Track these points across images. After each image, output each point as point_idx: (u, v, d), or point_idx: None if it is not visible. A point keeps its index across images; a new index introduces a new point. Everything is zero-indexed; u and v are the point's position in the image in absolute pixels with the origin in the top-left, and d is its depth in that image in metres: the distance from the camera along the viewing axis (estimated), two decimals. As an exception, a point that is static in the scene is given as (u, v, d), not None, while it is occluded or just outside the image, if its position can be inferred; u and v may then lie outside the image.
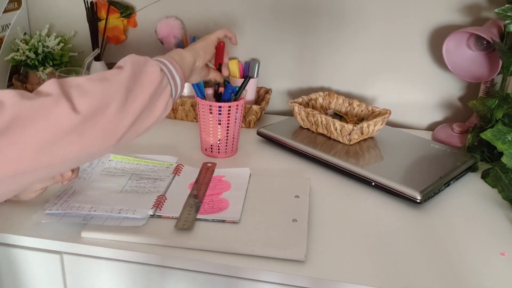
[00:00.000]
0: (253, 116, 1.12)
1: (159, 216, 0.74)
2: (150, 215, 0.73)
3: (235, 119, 0.94)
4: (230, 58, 1.22)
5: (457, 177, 0.90)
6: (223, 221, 0.73)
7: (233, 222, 0.73)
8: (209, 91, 0.96)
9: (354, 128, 0.94)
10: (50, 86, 0.52)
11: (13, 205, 0.76)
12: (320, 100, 1.11)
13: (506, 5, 0.93)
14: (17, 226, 0.72)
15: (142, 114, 0.58)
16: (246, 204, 0.78)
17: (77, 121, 0.50)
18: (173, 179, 0.85)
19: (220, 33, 0.84)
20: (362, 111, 1.07)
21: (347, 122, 0.98)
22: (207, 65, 0.84)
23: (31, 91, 1.35)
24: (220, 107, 0.92)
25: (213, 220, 0.73)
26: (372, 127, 0.99)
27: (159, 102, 0.61)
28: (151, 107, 0.59)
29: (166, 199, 0.78)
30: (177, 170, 0.87)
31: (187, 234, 0.70)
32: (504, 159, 0.85)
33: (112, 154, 0.91)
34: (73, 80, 0.54)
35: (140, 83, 0.58)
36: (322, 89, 1.21)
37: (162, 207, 0.75)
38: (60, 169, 0.53)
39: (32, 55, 1.18)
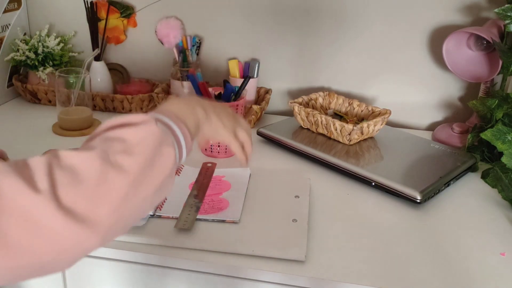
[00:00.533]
0: (253, 116, 1.12)
1: (159, 216, 0.74)
2: (150, 215, 0.73)
3: (235, 119, 0.94)
4: (230, 58, 1.22)
5: (457, 177, 0.90)
6: (223, 221, 0.73)
7: (233, 222, 0.73)
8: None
9: (354, 128, 0.94)
10: (36, 165, 0.41)
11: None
12: (320, 100, 1.11)
13: (506, 5, 0.93)
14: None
15: (137, 211, 0.47)
16: (246, 204, 0.78)
17: (64, 228, 0.39)
18: (173, 179, 0.85)
19: (234, 147, 0.69)
20: (362, 111, 1.07)
21: (347, 122, 0.98)
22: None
23: (31, 91, 1.33)
24: (220, 107, 0.91)
25: (213, 220, 0.73)
26: (372, 127, 0.99)
27: (162, 195, 0.49)
28: (151, 202, 0.48)
29: (166, 199, 0.78)
30: (177, 170, 0.87)
31: (187, 234, 0.70)
32: (504, 159, 0.85)
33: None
34: (66, 158, 0.42)
35: (151, 176, 0.46)
36: (322, 89, 1.21)
37: (162, 207, 0.75)
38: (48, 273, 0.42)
39: (32, 55, 1.18)
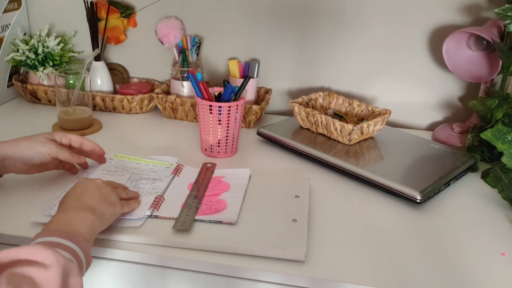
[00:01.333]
0: (253, 116, 1.12)
1: (156, 217, 0.74)
2: (148, 215, 0.73)
3: (235, 119, 0.94)
4: (230, 58, 1.22)
5: (457, 177, 0.90)
6: (220, 222, 0.73)
7: (230, 224, 0.73)
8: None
9: (354, 128, 0.94)
10: None
11: (13, 205, 0.76)
12: (320, 100, 1.11)
13: (506, 5, 0.93)
14: (17, 226, 0.72)
15: None
16: (246, 204, 0.78)
17: None
18: (172, 179, 0.85)
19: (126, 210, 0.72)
20: (362, 111, 1.07)
21: (347, 122, 0.98)
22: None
23: (31, 91, 1.33)
24: (220, 107, 0.91)
25: (210, 221, 0.73)
26: (372, 127, 0.99)
27: None
28: None
29: (164, 199, 0.78)
30: (176, 171, 0.87)
31: (186, 234, 0.70)
32: (504, 159, 0.85)
33: (114, 153, 0.91)
34: None
35: None
36: (322, 89, 1.21)
37: (159, 207, 0.75)
38: None
39: (32, 55, 1.18)
